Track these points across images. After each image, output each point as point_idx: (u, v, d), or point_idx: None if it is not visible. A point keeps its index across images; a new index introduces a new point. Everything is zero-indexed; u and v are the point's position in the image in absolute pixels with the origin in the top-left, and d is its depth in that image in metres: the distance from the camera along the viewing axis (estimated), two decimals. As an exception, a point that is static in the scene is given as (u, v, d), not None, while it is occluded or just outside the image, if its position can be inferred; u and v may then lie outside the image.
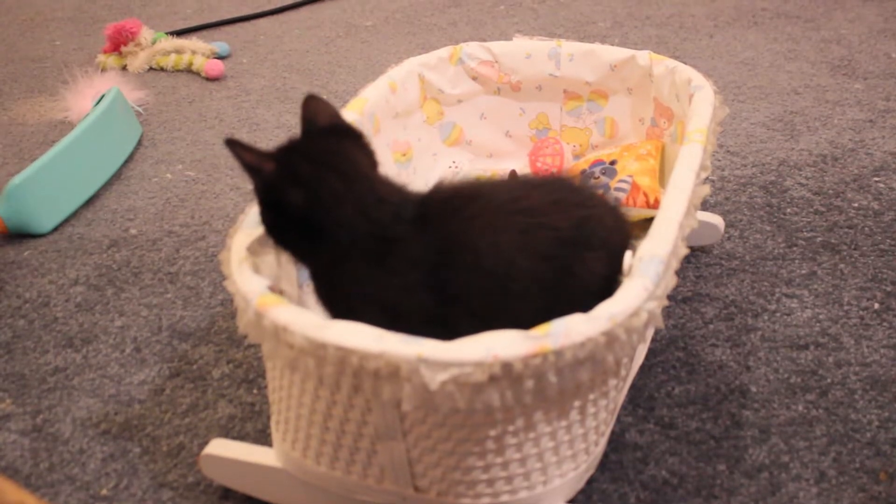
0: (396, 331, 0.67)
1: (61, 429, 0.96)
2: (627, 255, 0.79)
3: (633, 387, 0.96)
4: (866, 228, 1.22)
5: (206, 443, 0.88)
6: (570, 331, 0.65)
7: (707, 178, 1.23)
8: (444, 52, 1.26)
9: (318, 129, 0.80)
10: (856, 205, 1.27)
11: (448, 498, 0.75)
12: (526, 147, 1.33)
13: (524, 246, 0.76)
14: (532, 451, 0.73)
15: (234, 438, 0.92)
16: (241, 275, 0.75)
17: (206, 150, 1.54)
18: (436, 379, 0.64)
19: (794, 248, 1.19)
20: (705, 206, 1.27)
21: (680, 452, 0.89)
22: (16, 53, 2.03)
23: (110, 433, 0.95)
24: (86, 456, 0.93)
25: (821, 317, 1.06)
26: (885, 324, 1.05)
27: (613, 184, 1.15)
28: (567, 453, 0.76)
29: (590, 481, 0.84)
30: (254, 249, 0.80)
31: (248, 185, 1.41)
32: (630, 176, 1.14)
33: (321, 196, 0.75)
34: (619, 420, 0.92)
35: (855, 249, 1.18)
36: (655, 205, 1.12)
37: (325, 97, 0.81)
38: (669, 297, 0.76)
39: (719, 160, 1.41)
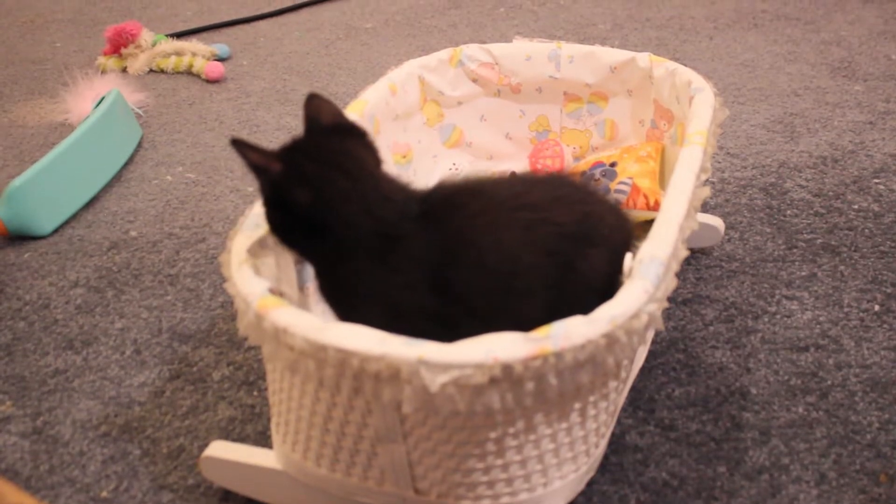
0: (400, 328, 0.67)
1: (61, 431, 0.96)
2: (628, 256, 0.79)
3: (633, 389, 0.96)
4: (866, 230, 1.22)
5: (206, 445, 0.88)
6: (570, 333, 0.65)
7: (707, 180, 1.24)
8: (444, 54, 1.27)
9: (322, 128, 0.80)
10: (856, 207, 1.27)
11: (448, 500, 0.75)
12: (526, 149, 1.33)
13: (527, 242, 0.76)
14: (532, 453, 0.73)
15: (235, 440, 0.92)
16: (241, 277, 0.75)
17: (207, 153, 1.54)
18: (436, 381, 0.64)
19: (795, 250, 1.19)
20: (705, 208, 1.27)
21: (680, 454, 0.89)
22: (16, 55, 2.03)
23: (110, 435, 0.95)
24: (86, 458, 0.93)
25: (821, 319, 1.06)
26: (885, 326, 1.05)
27: (613, 186, 1.15)
28: (567, 455, 0.76)
29: (590, 483, 0.84)
30: (254, 251, 0.80)
31: (248, 188, 1.42)
32: (630, 178, 1.15)
33: (328, 195, 0.75)
34: (619, 422, 0.92)
35: (855, 251, 1.18)
36: (655, 207, 1.12)
37: (325, 99, 0.82)
38: (670, 299, 0.76)
39: (719, 162, 1.41)
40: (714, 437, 0.91)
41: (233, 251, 0.79)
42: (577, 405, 0.73)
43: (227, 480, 0.86)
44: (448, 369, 0.64)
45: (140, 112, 1.68)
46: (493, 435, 0.70)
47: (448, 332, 0.68)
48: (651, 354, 1.01)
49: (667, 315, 1.06)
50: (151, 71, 1.90)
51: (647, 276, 0.72)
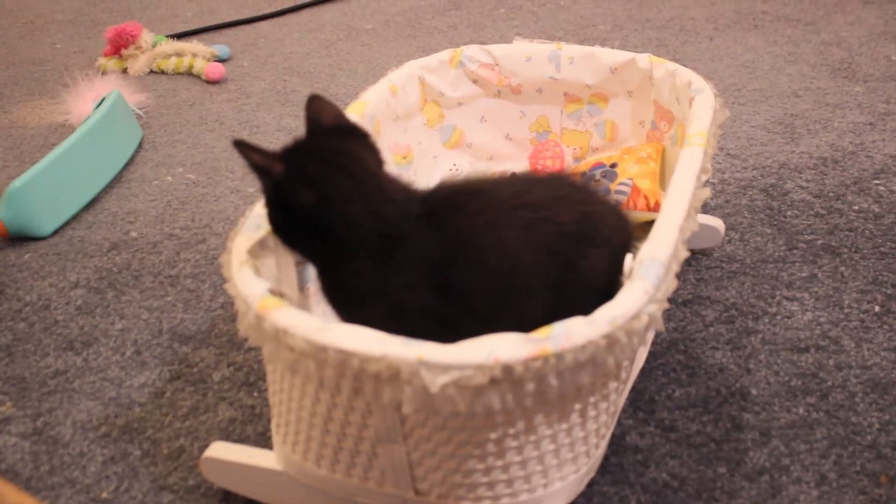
0: (402, 328, 0.67)
1: (62, 432, 0.96)
2: (628, 258, 0.79)
3: (633, 389, 0.96)
4: (867, 231, 1.22)
5: (206, 446, 0.89)
6: (570, 334, 0.65)
7: (707, 181, 1.23)
8: (444, 54, 1.27)
9: (324, 129, 0.80)
10: (856, 208, 1.27)
11: (449, 501, 0.75)
12: (526, 150, 1.33)
13: (528, 241, 0.76)
14: (533, 453, 0.73)
15: (235, 441, 0.92)
16: (241, 278, 0.75)
17: (207, 153, 1.54)
18: (436, 382, 0.64)
19: (795, 251, 1.19)
20: (706, 208, 1.27)
21: (680, 455, 0.89)
22: (16, 56, 2.03)
23: (111, 436, 0.95)
24: (86, 459, 0.93)
25: (821, 320, 1.06)
26: (885, 326, 1.05)
27: (614, 187, 1.15)
28: (568, 456, 0.76)
29: (590, 484, 0.84)
30: (254, 252, 0.80)
31: (248, 188, 1.42)
32: (630, 179, 1.15)
33: (331, 196, 0.75)
34: (619, 423, 0.92)
35: (855, 252, 1.18)
36: (656, 208, 1.12)
37: (325, 100, 0.82)
38: (670, 300, 0.76)
39: (720, 163, 1.41)
40: (714, 438, 0.91)
41: (233, 252, 0.79)
42: (577, 406, 0.73)
43: (228, 481, 0.86)
44: (448, 370, 0.64)
45: (140, 113, 1.68)
46: (493, 436, 0.70)
47: (449, 331, 0.68)
48: (651, 355, 1.01)
49: (667, 316, 1.06)
50: (152, 72, 1.90)
51: (647, 276, 0.72)
